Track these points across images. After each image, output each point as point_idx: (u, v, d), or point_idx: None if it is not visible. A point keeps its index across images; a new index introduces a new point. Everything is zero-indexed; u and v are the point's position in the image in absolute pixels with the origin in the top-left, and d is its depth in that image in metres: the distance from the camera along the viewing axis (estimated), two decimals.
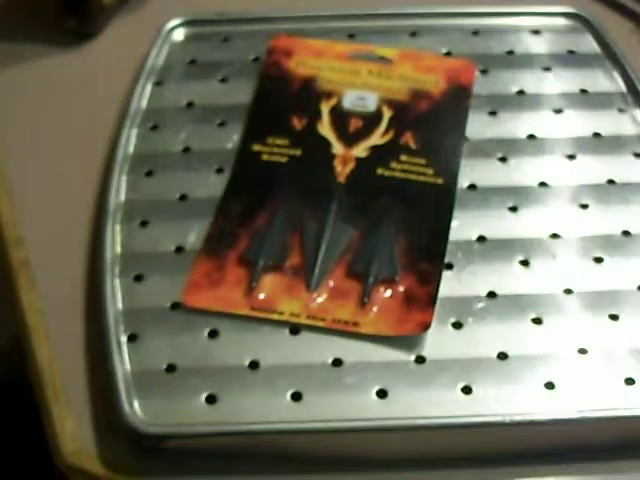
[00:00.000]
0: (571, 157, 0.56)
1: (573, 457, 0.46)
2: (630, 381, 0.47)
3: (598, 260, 0.51)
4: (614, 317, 0.49)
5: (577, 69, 0.60)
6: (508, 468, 0.46)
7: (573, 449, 0.46)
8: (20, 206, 0.54)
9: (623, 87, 0.59)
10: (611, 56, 0.61)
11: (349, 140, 0.55)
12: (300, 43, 0.60)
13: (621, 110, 0.58)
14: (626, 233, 0.52)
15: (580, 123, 0.58)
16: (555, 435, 0.46)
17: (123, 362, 0.47)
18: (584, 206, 0.54)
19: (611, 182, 0.55)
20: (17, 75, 0.61)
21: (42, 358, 0.49)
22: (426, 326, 0.48)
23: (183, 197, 0.54)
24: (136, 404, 0.46)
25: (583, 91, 0.59)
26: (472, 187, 0.54)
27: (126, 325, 0.49)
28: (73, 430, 0.46)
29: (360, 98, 0.57)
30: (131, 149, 0.56)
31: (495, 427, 0.46)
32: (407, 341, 0.48)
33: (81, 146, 0.57)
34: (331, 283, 0.50)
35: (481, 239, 0.52)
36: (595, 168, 0.55)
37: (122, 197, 0.54)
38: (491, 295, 0.50)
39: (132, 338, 0.48)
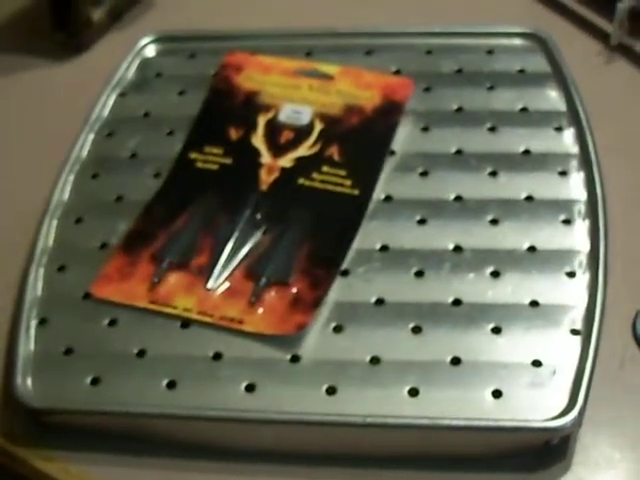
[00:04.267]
0: (493, 174, 0.57)
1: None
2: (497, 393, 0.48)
3: (494, 274, 0.52)
4: (496, 330, 0.50)
5: (522, 88, 0.61)
6: (360, 469, 0.48)
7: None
8: None
9: (564, 106, 0.60)
10: (559, 76, 0.61)
11: (278, 151, 0.58)
12: (251, 59, 0.63)
13: (557, 129, 0.59)
14: (531, 249, 0.53)
15: (512, 141, 0.58)
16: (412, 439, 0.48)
17: (28, 343, 0.52)
18: (494, 221, 0.55)
19: (528, 199, 0.56)
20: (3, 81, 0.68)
21: None
22: (302, 327, 0.50)
23: (119, 198, 0.58)
24: (29, 381, 0.50)
25: (523, 109, 0.60)
26: (388, 199, 0.56)
27: (39, 310, 0.53)
28: None
29: (296, 112, 0.60)
30: (84, 153, 0.61)
31: (351, 427, 0.47)
32: (288, 340, 0.50)
33: (41, 148, 0.63)
34: (228, 283, 0.53)
35: (383, 249, 0.54)
36: (515, 185, 0.56)
37: (65, 196, 0.58)
38: (379, 302, 0.52)
39: (42, 322, 0.53)
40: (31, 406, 0.49)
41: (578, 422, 0.46)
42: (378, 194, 0.56)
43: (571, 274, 0.52)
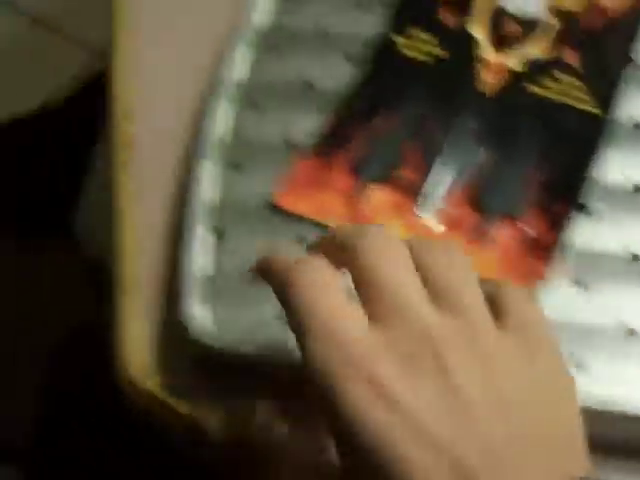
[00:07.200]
0: None
1: None
2: None
3: None
4: None
5: None
6: None
7: None
8: (133, 76, 0.50)
9: None
10: None
11: (502, 45, 0.48)
12: None
13: None
14: None
15: None
16: None
17: (198, 260, 0.43)
18: None
19: None
20: None
21: (126, 247, 0.45)
22: (543, 278, 0.41)
23: (306, 83, 0.48)
24: (200, 311, 0.41)
25: None
26: (636, 126, 0.46)
27: (212, 219, 0.44)
28: (138, 335, 0.43)
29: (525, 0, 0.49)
30: (263, 22, 0.50)
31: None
32: None
33: (212, 14, 0.52)
34: (444, 208, 0.43)
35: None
36: None
37: (241, 75, 0.48)
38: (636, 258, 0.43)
39: (218, 234, 0.44)
40: (211, 346, 0.41)
41: None
42: (622, 115, 0.46)
43: None
